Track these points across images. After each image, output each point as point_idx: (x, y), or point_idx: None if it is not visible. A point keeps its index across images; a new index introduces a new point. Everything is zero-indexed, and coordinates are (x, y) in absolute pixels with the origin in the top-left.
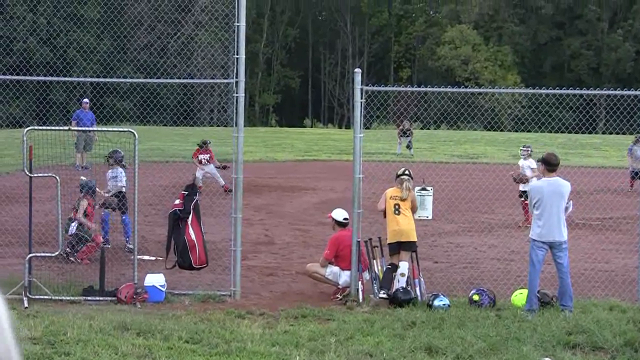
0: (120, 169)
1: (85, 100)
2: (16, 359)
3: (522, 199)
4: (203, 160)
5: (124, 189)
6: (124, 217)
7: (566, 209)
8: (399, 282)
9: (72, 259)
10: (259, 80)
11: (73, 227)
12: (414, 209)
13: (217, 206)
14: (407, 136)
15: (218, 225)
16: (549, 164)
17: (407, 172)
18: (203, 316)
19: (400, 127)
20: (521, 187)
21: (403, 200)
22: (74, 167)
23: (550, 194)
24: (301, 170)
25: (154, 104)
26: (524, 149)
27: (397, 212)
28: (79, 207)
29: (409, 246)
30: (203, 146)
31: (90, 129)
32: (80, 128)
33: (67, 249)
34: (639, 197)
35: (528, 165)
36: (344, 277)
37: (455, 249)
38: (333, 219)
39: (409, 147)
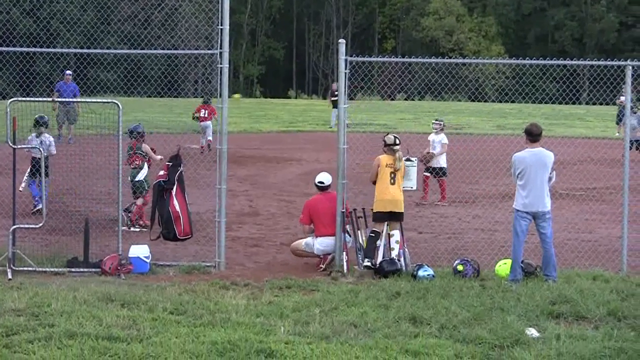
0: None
1: (68, 72)
2: None
3: (428, 173)
4: (202, 112)
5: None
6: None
7: (549, 179)
8: (394, 250)
9: (134, 229)
10: (243, 52)
11: (143, 174)
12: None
13: (201, 177)
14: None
15: (202, 196)
16: (531, 134)
17: (397, 141)
18: (187, 287)
19: (330, 89)
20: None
21: (397, 170)
22: (57, 139)
23: (534, 164)
24: (285, 141)
25: (137, 75)
26: (436, 122)
27: (392, 181)
28: (147, 152)
29: (399, 217)
30: (208, 102)
31: (71, 99)
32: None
33: (127, 214)
34: (622, 167)
35: (440, 140)
36: (317, 244)
37: (439, 220)
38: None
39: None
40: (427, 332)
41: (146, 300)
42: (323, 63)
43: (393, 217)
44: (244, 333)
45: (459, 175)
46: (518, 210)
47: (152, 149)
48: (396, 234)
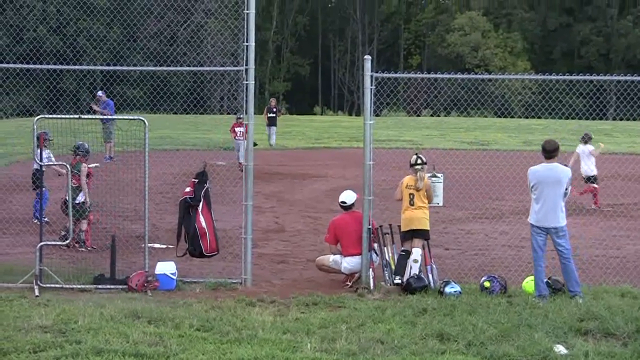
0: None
1: (100, 93)
2: None
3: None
4: (239, 132)
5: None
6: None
7: (565, 194)
8: (412, 269)
9: (82, 249)
10: (268, 68)
11: (82, 195)
12: (429, 198)
13: (227, 194)
14: (274, 120)
15: (229, 212)
16: (545, 151)
17: (419, 160)
18: (214, 304)
19: (267, 106)
20: (587, 172)
21: (418, 190)
22: (107, 158)
23: (547, 179)
24: (312, 157)
25: (164, 92)
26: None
27: (411, 202)
28: (81, 172)
29: (421, 234)
30: (239, 120)
31: (99, 116)
32: (96, 116)
33: (75, 237)
34: None
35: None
36: (345, 263)
37: (466, 236)
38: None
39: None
40: (454, 348)
41: (173, 317)
42: (348, 79)
43: (415, 235)
44: (271, 350)
45: (485, 192)
46: (533, 226)
47: (88, 172)
48: (415, 253)
